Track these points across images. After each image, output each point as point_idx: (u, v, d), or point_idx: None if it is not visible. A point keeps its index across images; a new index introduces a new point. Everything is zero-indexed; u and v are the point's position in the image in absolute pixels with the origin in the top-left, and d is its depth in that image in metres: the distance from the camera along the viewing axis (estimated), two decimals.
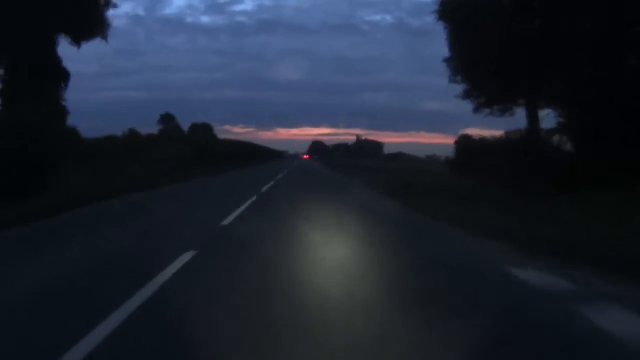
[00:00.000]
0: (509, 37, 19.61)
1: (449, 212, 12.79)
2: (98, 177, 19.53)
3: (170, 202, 17.85)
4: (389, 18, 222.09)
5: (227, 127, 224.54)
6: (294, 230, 11.16)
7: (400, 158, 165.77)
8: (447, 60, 24.74)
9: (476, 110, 25.30)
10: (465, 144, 27.64)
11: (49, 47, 33.18)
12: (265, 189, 21.69)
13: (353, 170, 35.81)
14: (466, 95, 25.13)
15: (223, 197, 19.48)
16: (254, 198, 18.04)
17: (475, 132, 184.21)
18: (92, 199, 15.27)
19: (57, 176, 16.58)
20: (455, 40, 23.32)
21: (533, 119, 23.24)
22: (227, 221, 12.27)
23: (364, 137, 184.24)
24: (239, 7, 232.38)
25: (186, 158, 35.57)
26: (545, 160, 18.25)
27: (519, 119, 24.33)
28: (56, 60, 39.32)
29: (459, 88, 24.66)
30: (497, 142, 23.47)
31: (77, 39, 35.90)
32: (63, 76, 45.38)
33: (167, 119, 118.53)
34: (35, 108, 25.48)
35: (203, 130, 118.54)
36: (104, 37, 34.85)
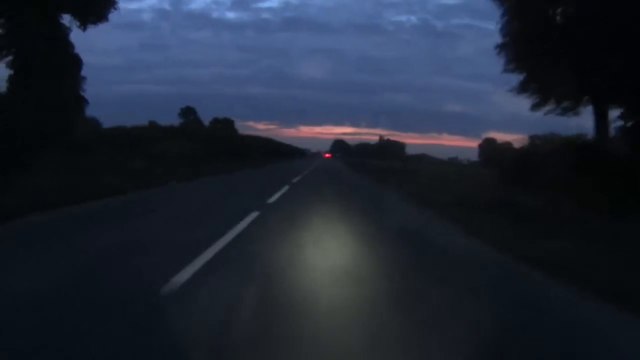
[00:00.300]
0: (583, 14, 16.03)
1: (558, 254, 8.03)
2: (86, 174, 16.31)
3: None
4: (413, 19, 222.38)
5: (250, 123, 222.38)
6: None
7: (423, 159, 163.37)
8: (500, 47, 20.87)
9: (536, 107, 21.42)
10: (520, 152, 23.20)
11: (55, 29, 31.17)
12: (274, 199, 16.00)
13: (383, 175, 30.59)
14: (522, 88, 21.16)
15: (206, 210, 13.46)
16: (255, 214, 12.06)
17: (498, 135, 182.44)
18: (38, 207, 10.98)
19: (26, 176, 13.47)
20: (514, 18, 19.56)
21: (601, 120, 19.49)
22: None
23: (386, 138, 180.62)
24: (264, 4, 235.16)
25: (197, 154, 32.36)
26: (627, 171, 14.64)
27: (583, 119, 20.52)
28: (67, 46, 37.10)
29: (509, 80, 20.89)
30: (560, 147, 19.60)
31: (83, 20, 33.98)
32: (75, 64, 42.84)
33: (188, 112, 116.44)
34: (38, 98, 23.12)
35: (224, 125, 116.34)
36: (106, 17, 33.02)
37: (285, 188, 20.08)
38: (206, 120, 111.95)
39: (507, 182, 19.95)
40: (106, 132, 37.63)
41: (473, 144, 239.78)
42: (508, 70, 20.51)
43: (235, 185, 22.52)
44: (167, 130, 40.43)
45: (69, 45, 34.47)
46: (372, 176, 30.95)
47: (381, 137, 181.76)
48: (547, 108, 20.96)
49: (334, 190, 22.41)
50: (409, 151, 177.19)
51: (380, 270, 7.31)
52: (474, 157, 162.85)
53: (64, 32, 33.08)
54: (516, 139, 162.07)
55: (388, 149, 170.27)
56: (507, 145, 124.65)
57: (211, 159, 35.11)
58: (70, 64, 40.38)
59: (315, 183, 26.81)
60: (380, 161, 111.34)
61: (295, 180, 25.60)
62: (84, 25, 33.49)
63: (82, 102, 61.08)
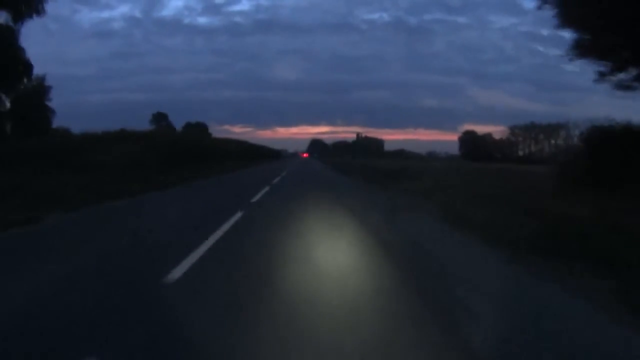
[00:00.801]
0: None
1: None
2: None
3: None
4: (385, 16, 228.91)
5: (227, 127, 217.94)
6: None
7: (402, 155, 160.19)
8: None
9: (602, 76, 15.36)
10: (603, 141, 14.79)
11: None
12: (226, 227, 10.13)
13: (373, 176, 24.13)
14: (582, 52, 15.33)
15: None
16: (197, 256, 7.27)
17: (473, 128, 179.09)
18: None
19: None
20: None
21: None
22: None
23: (363, 135, 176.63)
24: (235, 8, 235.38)
25: (150, 161, 27.26)
26: None
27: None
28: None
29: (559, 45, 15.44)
30: None
31: (17, 15, 30.60)
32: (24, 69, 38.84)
33: (159, 118, 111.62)
34: None
35: (197, 129, 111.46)
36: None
37: (236, 217, 11.83)
38: (180, 125, 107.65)
39: (570, 184, 14.31)
40: (51, 141, 32.30)
41: (449, 137, 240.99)
42: (561, 27, 15.15)
43: (161, 216, 13.19)
44: (124, 135, 35.10)
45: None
46: (368, 180, 24.36)
47: (358, 134, 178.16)
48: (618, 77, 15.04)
49: (319, 199, 16.80)
50: (387, 147, 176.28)
51: None
52: (451, 150, 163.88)
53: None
54: (493, 130, 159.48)
55: (366, 146, 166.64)
56: (488, 137, 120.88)
57: (171, 166, 30.26)
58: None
59: (294, 186, 22.26)
60: (361, 159, 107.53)
61: (257, 197, 17.16)
62: (19, 20, 30.32)
63: (45, 110, 55.73)
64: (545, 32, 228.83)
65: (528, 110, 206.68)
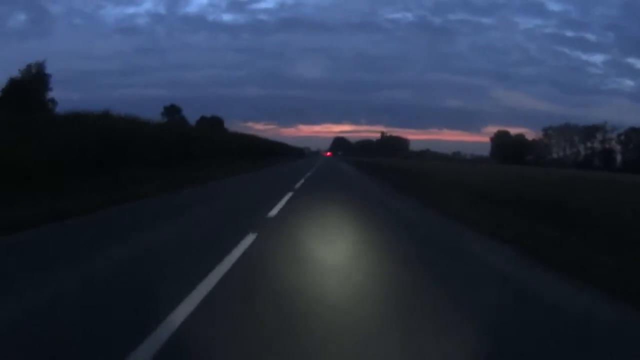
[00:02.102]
0: None
1: None
2: None
3: None
4: (409, 16, 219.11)
5: (250, 124, 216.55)
6: None
7: (428, 155, 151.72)
8: None
9: None
10: None
11: None
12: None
13: (414, 185, 18.85)
14: None
15: None
16: None
17: (495, 130, 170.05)
18: None
19: None
20: None
21: None
22: None
23: (388, 134, 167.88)
24: (260, 5, 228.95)
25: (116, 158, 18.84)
26: None
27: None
28: None
29: None
30: None
31: None
32: None
33: (172, 111, 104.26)
34: None
35: (211, 124, 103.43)
36: None
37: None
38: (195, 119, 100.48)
39: None
40: None
41: (473, 138, 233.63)
42: None
43: None
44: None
45: None
46: (401, 187, 18.08)
47: (383, 133, 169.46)
48: None
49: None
50: (412, 147, 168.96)
51: None
52: (476, 151, 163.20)
53: None
54: (522, 132, 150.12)
55: (390, 146, 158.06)
56: (520, 138, 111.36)
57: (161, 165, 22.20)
58: None
59: (313, 207, 14.05)
60: (383, 158, 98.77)
61: (272, 212, 11.50)
62: None
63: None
64: (569, 34, 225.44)
65: (550, 112, 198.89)
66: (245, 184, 22.02)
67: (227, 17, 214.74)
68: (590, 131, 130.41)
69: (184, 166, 26.18)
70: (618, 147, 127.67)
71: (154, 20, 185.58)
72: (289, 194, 15.83)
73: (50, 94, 53.83)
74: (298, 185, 20.35)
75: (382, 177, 24.66)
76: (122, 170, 18.89)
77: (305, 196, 15.93)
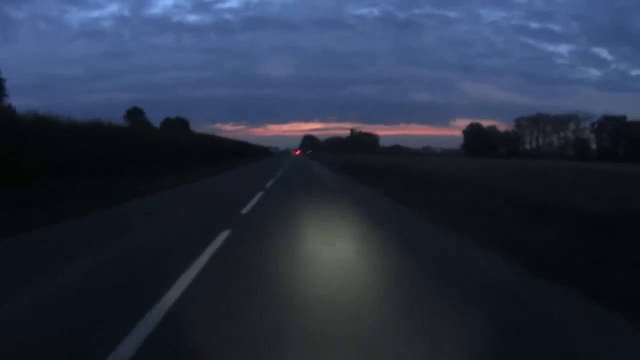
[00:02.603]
0: None
1: None
2: None
3: None
4: (375, 11, 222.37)
5: (218, 125, 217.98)
6: None
7: (398, 151, 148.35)
8: None
9: None
10: None
11: None
12: None
13: (424, 197, 13.47)
14: None
15: None
16: None
17: (464, 123, 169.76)
18: None
19: None
20: None
21: None
22: None
23: (358, 130, 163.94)
24: (225, 5, 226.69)
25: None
26: None
27: None
28: None
29: None
30: None
31: None
32: None
33: (135, 114, 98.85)
34: None
35: (177, 126, 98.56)
36: None
37: None
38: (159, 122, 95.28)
39: None
40: None
41: (442, 132, 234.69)
42: None
43: None
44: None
45: None
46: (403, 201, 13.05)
47: (352, 130, 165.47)
48: None
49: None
50: (382, 143, 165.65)
51: None
52: (446, 145, 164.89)
53: None
54: (492, 124, 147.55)
55: (361, 142, 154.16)
56: (492, 130, 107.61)
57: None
58: None
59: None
60: (354, 155, 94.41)
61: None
62: None
63: None
64: (535, 25, 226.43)
65: (518, 104, 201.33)
66: (188, 199, 16.83)
67: (192, 18, 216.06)
68: (563, 121, 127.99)
69: (133, 172, 21.22)
70: (592, 136, 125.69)
71: (118, 23, 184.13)
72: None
73: (10, 101, 48.70)
74: (252, 202, 14.38)
75: (370, 183, 19.20)
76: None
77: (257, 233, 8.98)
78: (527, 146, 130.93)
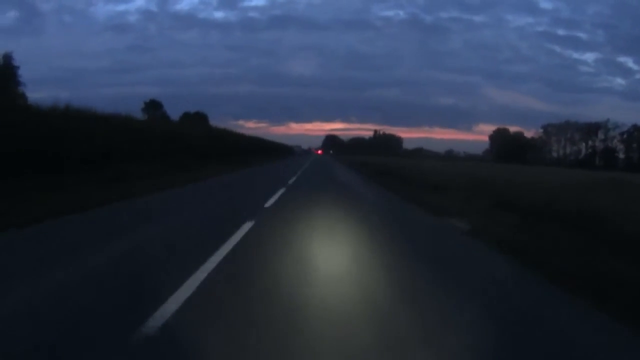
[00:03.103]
0: None
1: None
2: None
3: None
4: (401, 13, 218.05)
5: (241, 122, 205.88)
6: None
7: (421, 154, 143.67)
8: None
9: None
10: None
11: None
12: None
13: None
14: None
15: None
16: None
17: (486, 128, 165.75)
18: None
19: None
20: None
21: None
22: None
23: (381, 132, 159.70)
24: (251, 3, 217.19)
25: None
26: None
27: None
28: None
29: None
30: None
31: None
32: None
33: (153, 107, 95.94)
34: None
35: (195, 121, 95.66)
36: None
37: None
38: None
39: None
40: None
41: (464, 136, 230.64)
42: None
43: None
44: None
45: None
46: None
47: (376, 131, 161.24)
48: None
49: None
50: (405, 145, 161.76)
51: None
52: (468, 149, 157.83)
53: None
54: (517, 130, 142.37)
55: (384, 144, 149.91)
56: (519, 136, 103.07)
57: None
58: None
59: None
60: (377, 157, 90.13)
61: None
62: None
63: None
64: (561, 32, 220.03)
65: (541, 111, 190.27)
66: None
67: (218, 15, 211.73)
68: (591, 129, 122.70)
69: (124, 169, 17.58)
70: (621, 146, 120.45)
71: (145, 17, 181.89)
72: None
73: (27, 91, 46.46)
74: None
75: (436, 208, 12.28)
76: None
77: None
78: (555, 154, 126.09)
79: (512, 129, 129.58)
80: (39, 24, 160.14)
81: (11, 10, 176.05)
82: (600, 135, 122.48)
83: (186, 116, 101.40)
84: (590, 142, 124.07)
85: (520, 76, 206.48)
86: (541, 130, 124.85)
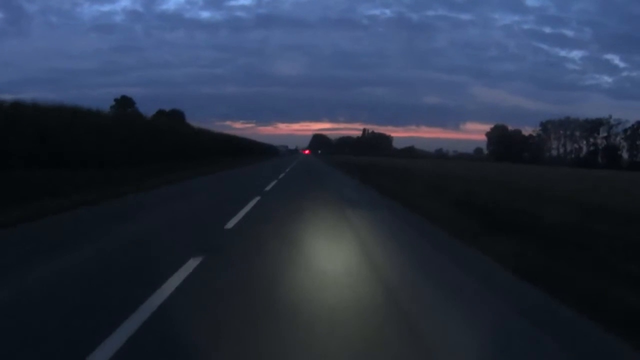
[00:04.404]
0: None
1: None
2: None
3: None
4: (388, 12, 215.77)
5: (228, 123, 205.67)
6: None
7: (413, 153, 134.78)
8: None
9: None
10: None
11: None
12: None
13: None
14: None
15: None
16: None
17: (475, 127, 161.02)
18: None
19: None
20: None
21: None
22: None
23: (370, 131, 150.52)
24: (237, 2, 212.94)
25: None
26: None
27: None
28: None
29: None
30: None
31: None
32: None
33: (124, 103, 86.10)
34: None
35: (171, 119, 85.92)
36: None
37: None
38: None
39: None
40: None
41: (452, 135, 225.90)
42: None
43: None
44: None
45: None
46: None
47: (365, 130, 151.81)
48: None
49: None
50: (395, 144, 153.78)
51: None
52: (457, 148, 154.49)
53: None
54: (515, 128, 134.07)
55: (373, 143, 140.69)
56: (517, 134, 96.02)
57: None
58: None
59: None
60: (371, 157, 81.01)
61: None
62: None
63: None
64: (548, 30, 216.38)
65: (528, 109, 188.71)
66: None
67: (204, 14, 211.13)
68: (593, 126, 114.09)
69: None
70: (624, 143, 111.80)
71: (130, 18, 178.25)
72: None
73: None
74: None
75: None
76: None
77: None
78: (554, 152, 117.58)
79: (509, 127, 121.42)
80: (25, 25, 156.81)
81: None
82: (603, 132, 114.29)
83: (160, 114, 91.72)
84: (591, 140, 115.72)
85: (508, 74, 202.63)
86: (539, 128, 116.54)
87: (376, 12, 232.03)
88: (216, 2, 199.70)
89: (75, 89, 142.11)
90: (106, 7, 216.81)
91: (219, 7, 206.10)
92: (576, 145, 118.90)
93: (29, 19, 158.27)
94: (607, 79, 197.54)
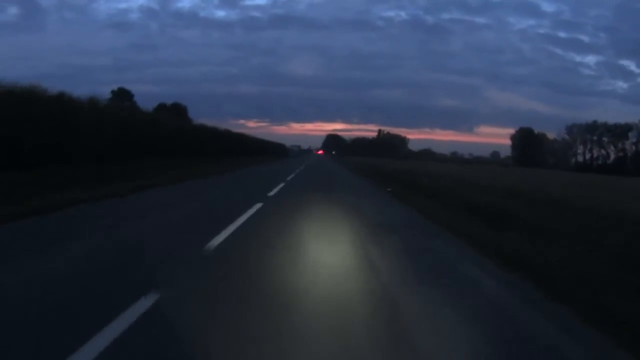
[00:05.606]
0: None
1: None
2: None
3: None
4: (403, 14, 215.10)
5: (242, 122, 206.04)
6: None
7: (430, 156, 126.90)
8: None
9: None
10: None
11: None
12: None
13: None
14: None
15: None
16: None
17: (489, 130, 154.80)
18: None
19: None
20: None
21: None
22: None
23: (386, 132, 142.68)
24: (252, 1, 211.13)
25: None
26: None
27: None
28: None
29: None
30: None
31: None
32: None
33: (122, 96, 79.11)
34: None
35: (172, 114, 78.65)
36: None
37: None
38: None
39: None
40: None
41: (465, 138, 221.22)
42: None
43: None
44: None
45: None
46: None
47: (380, 131, 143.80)
48: None
49: None
50: (411, 146, 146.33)
51: None
52: (471, 151, 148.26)
53: None
54: (540, 132, 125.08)
55: (388, 145, 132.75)
56: (541, 137, 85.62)
57: None
58: None
59: None
60: (384, 159, 73.21)
61: None
62: None
63: None
64: (563, 34, 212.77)
65: (543, 113, 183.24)
66: None
67: (219, 13, 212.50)
68: (622, 130, 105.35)
69: None
70: None
71: (146, 15, 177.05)
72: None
73: None
74: None
75: None
76: None
77: None
78: (580, 158, 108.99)
79: (510, 131, 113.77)
80: (40, 21, 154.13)
81: (13, 6, 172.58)
82: (632, 138, 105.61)
83: (161, 107, 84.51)
84: (620, 145, 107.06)
85: (522, 78, 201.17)
86: (564, 131, 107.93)
87: (391, 14, 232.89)
88: (231, 1, 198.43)
89: (89, 85, 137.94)
90: (122, 5, 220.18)
91: (234, 6, 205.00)
92: (603, 151, 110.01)
93: (44, 15, 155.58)
94: (622, 85, 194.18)
